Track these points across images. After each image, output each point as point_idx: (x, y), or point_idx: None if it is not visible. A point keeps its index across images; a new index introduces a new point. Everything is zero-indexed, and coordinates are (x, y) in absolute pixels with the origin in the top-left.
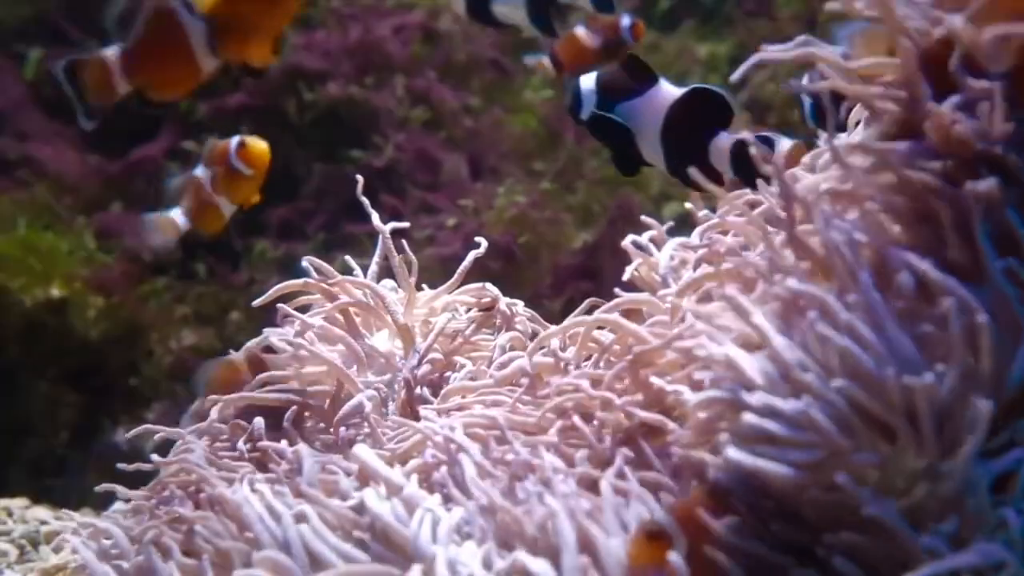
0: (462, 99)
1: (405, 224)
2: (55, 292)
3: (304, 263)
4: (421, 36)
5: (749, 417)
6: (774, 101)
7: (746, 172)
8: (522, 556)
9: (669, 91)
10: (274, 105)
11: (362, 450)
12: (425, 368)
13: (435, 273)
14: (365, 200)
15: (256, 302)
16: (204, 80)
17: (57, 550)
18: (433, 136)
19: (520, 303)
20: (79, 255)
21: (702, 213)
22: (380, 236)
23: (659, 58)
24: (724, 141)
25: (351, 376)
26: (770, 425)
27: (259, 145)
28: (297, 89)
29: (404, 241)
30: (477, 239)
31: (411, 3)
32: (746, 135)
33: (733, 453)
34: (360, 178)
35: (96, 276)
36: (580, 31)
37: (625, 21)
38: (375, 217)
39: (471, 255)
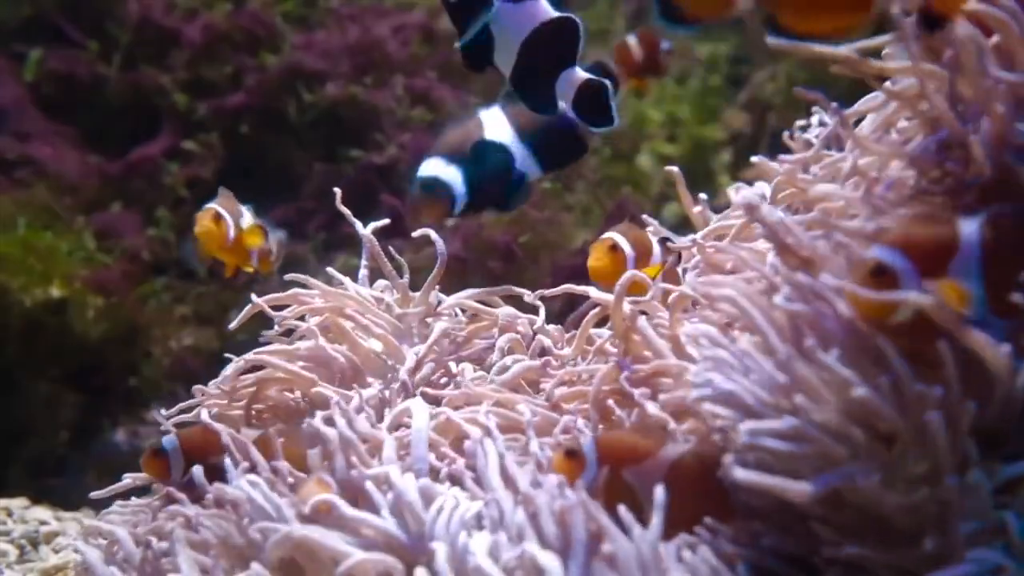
0: (462, 99)
1: (385, 221)
2: (55, 292)
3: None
4: (421, 36)
5: (744, 437)
6: (774, 101)
7: (585, 112)
8: (531, 547)
9: (544, 10)
10: (274, 105)
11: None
12: (425, 371)
13: None
14: (346, 210)
15: (232, 325)
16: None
17: (57, 550)
18: (433, 136)
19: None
20: (79, 255)
21: (697, 209)
22: (366, 241)
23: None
24: (576, 76)
25: (331, 389)
26: (766, 441)
27: (200, 227)
28: (297, 89)
29: (403, 240)
30: (422, 231)
31: (411, 3)
32: (594, 77)
33: (740, 474)
34: (338, 191)
35: (96, 276)
36: (631, 40)
37: (665, 45)
38: (359, 226)
39: (438, 241)
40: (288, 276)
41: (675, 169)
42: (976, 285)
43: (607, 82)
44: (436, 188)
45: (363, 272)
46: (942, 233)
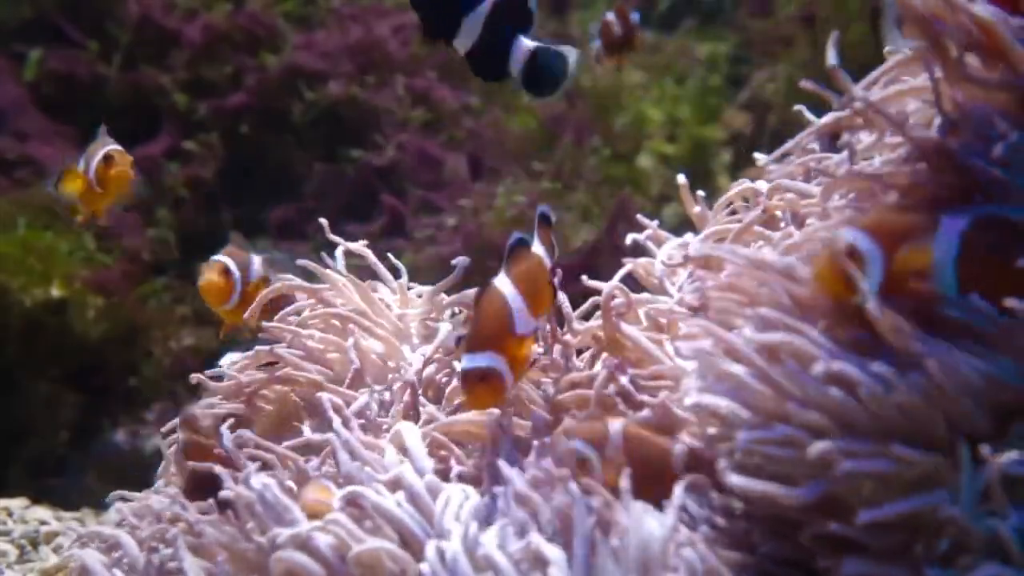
0: (462, 99)
1: (358, 244)
2: (55, 292)
3: (303, 262)
4: (421, 36)
5: (739, 444)
6: (774, 101)
7: (532, 84)
8: (536, 539)
9: None
10: (274, 105)
11: (406, 428)
12: (429, 370)
13: (436, 272)
14: (336, 237)
15: (245, 315)
16: None
17: (57, 550)
18: (433, 136)
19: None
20: (79, 255)
21: (697, 209)
22: (358, 250)
23: (659, 58)
24: (524, 46)
25: (338, 389)
26: (760, 448)
27: (207, 281)
28: (297, 89)
29: (404, 240)
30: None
31: None
32: (540, 45)
33: (736, 480)
34: (325, 221)
35: (96, 276)
36: (610, 17)
37: (635, 16)
38: (352, 247)
39: (463, 260)
40: (300, 262)
41: (681, 177)
42: (951, 272)
43: (565, 49)
44: None
45: (340, 259)
46: (917, 220)
